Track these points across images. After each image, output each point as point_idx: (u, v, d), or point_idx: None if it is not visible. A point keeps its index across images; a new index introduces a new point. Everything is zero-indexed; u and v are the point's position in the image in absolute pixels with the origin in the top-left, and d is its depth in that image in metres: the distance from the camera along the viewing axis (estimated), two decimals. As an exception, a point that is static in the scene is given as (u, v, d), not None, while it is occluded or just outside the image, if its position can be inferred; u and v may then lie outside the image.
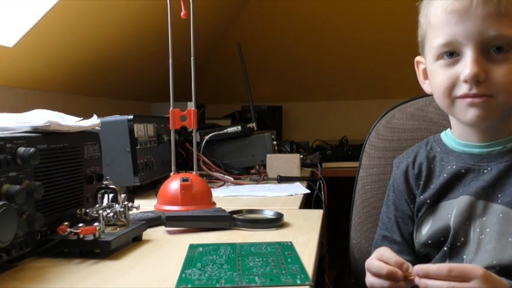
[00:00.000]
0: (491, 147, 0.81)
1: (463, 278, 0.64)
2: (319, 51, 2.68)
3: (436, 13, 0.78)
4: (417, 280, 0.68)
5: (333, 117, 2.81)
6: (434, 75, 0.81)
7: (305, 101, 2.86)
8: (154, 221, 0.90)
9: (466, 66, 0.74)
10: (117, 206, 0.79)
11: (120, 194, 0.82)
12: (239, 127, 1.72)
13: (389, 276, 0.71)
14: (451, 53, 0.77)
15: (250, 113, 1.91)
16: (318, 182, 1.54)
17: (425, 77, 0.87)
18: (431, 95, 0.86)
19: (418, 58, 0.88)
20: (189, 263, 0.68)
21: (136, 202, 0.84)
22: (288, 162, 1.62)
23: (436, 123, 1.05)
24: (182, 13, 0.98)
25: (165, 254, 0.75)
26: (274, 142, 1.79)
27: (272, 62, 2.74)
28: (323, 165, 2.07)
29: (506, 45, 0.73)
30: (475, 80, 0.74)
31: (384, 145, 1.10)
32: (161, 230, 0.88)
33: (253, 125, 1.77)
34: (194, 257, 0.71)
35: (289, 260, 0.68)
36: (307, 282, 0.59)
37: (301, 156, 1.80)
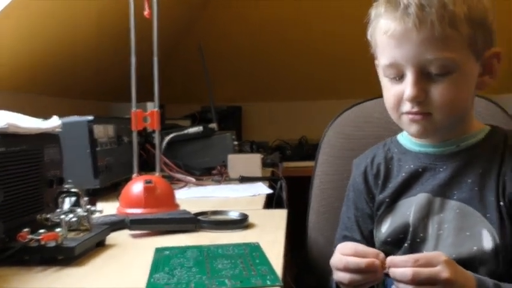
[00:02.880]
0: (445, 147, 0.84)
1: (429, 265, 0.68)
2: (278, 52, 2.70)
3: (379, 34, 0.82)
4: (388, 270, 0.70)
5: (292, 117, 2.83)
6: (384, 89, 0.86)
7: (264, 101, 2.87)
8: (117, 224, 0.88)
9: (407, 87, 0.78)
10: (79, 210, 0.77)
11: (83, 198, 0.80)
12: (201, 127, 1.71)
13: (369, 269, 0.71)
14: (395, 74, 0.80)
15: (211, 113, 1.90)
16: (279, 182, 1.55)
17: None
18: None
19: (376, 62, 0.91)
20: (156, 267, 0.67)
21: (99, 206, 0.82)
22: (249, 162, 1.62)
23: (388, 123, 1.06)
24: (146, 12, 0.96)
25: (130, 258, 0.74)
26: (235, 142, 1.79)
27: (231, 63, 2.73)
28: (283, 164, 2.09)
29: (443, 67, 0.77)
30: (416, 100, 0.78)
31: (340, 144, 1.12)
32: (125, 233, 0.87)
33: (214, 125, 1.76)
34: (161, 260, 0.70)
35: (257, 261, 0.68)
36: (277, 283, 0.60)
37: (262, 156, 1.81)
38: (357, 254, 0.73)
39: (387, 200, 0.87)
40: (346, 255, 0.74)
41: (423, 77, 0.77)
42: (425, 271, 0.68)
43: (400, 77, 0.80)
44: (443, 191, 0.82)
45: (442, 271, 0.67)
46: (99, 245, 0.78)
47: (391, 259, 0.71)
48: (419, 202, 0.83)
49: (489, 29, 0.80)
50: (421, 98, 0.77)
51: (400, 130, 0.93)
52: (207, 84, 1.92)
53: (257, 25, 2.62)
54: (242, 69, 2.76)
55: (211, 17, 2.63)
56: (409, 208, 0.83)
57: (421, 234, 0.81)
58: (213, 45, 2.46)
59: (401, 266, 0.69)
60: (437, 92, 0.77)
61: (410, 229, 0.82)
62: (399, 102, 0.81)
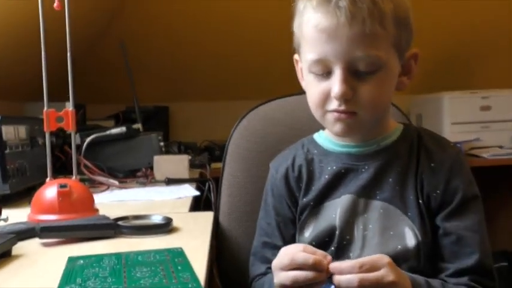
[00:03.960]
0: (366, 147, 0.85)
1: (374, 269, 0.67)
2: (206, 50, 2.66)
3: (307, 28, 0.79)
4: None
5: (220, 118, 2.78)
6: (308, 85, 0.83)
7: (192, 101, 2.82)
8: (26, 233, 0.80)
9: (335, 84, 0.76)
10: (-20, 219, 0.70)
11: (-15, 205, 0.72)
12: (124, 128, 1.63)
13: (315, 266, 0.69)
14: (322, 70, 0.78)
15: (136, 114, 1.83)
16: (207, 183, 1.51)
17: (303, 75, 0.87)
18: (295, 95, 0.92)
19: (296, 57, 0.89)
20: (67, 278, 0.61)
21: (6, 213, 0.75)
22: (176, 163, 1.57)
23: (300, 123, 1.06)
24: (55, 4, 0.88)
25: (40, 269, 0.67)
26: (162, 143, 1.73)
27: (157, 61, 2.65)
28: (212, 165, 2.05)
29: (371, 65, 0.76)
30: (343, 98, 0.77)
31: (246, 146, 1.10)
32: (35, 242, 0.79)
33: (139, 125, 1.70)
34: (74, 271, 0.64)
35: (179, 267, 0.65)
36: (199, 291, 0.57)
37: (190, 157, 1.77)
38: (305, 251, 0.71)
39: (311, 203, 0.85)
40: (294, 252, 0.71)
41: (351, 75, 0.76)
42: (371, 276, 0.67)
43: (327, 74, 0.78)
44: (367, 192, 0.82)
45: (387, 275, 0.67)
46: (3, 256, 0.71)
47: (334, 265, 0.68)
48: (344, 204, 0.82)
49: (411, 29, 0.81)
50: (349, 96, 0.76)
51: (309, 128, 0.92)
52: (130, 83, 1.85)
53: (182, 22, 2.55)
54: (167, 68, 2.69)
55: (131, 14, 2.54)
56: (334, 210, 0.82)
57: (348, 236, 0.81)
58: (136, 43, 2.38)
59: (346, 272, 0.67)
60: (364, 90, 0.77)
61: (337, 232, 0.81)
62: (325, 99, 0.79)
